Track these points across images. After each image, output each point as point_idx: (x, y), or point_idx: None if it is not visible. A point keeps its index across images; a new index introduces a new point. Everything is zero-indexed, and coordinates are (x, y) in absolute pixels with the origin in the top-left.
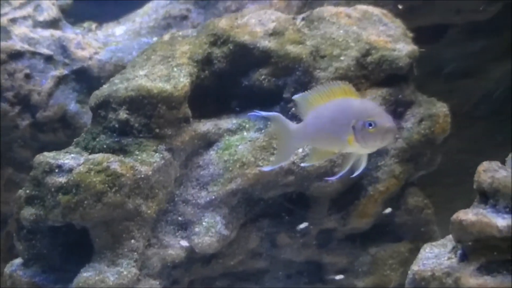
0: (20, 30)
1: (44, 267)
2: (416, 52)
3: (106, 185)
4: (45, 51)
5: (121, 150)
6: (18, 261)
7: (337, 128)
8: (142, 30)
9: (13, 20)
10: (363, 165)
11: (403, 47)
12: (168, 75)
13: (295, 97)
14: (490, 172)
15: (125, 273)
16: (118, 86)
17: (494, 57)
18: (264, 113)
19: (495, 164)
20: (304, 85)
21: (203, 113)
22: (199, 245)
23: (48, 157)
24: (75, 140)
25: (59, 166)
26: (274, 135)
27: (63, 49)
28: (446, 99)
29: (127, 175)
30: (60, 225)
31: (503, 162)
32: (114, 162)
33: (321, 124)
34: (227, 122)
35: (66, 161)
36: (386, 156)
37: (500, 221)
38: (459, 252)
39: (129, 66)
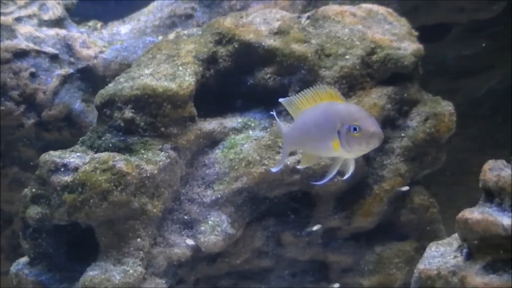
0: (25, 29)
1: (50, 266)
2: (421, 50)
3: (112, 184)
4: (50, 50)
5: (126, 149)
6: (23, 260)
7: (323, 132)
8: (147, 29)
9: (18, 19)
10: (350, 169)
11: (408, 46)
12: (173, 74)
13: (281, 100)
14: (495, 170)
15: (131, 272)
16: (123, 85)
17: (497, 55)
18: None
19: (501, 163)
20: (309, 83)
21: (208, 112)
22: (205, 244)
23: (53, 156)
24: (80, 139)
25: (65, 165)
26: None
27: (68, 48)
28: (449, 98)
29: (133, 174)
30: (66, 224)
31: (507, 161)
32: (120, 161)
33: (307, 128)
34: (232, 121)
35: (71, 160)
36: (392, 155)
37: (506, 220)
38: (464, 250)
39: (134, 65)
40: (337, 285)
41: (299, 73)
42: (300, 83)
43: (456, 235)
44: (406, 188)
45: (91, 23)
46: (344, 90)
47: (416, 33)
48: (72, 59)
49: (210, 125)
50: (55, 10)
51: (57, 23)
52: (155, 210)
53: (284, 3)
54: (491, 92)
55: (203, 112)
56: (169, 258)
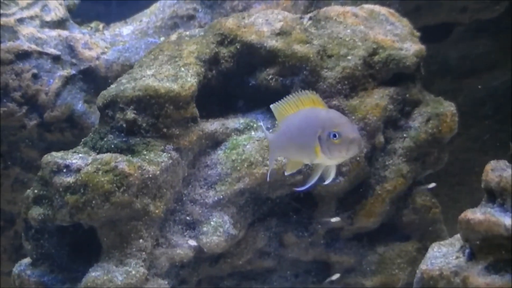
0: (27, 30)
1: (52, 266)
2: (423, 51)
3: (114, 184)
4: (52, 51)
5: (128, 150)
6: (26, 261)
7: (305, 138)
8: (149, 30)
9: (20, 20)
10: (331, 176)
11: (410, 46)
12: (175, 75)
13: (272, 106)
14: (497, 171)
15: (133, 272)
16: (125, 86)
17: (500, 55)
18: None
19: (503, 163)
20: (311, 84)
21: (210, 112)
22: (207, 245)
23: (55, 157)
24: (82, 140)
25: (67, 166)
26: None
27: (70, 49)
28: (451, 98)
29: (135, 174)
30: (68, 225)
31: (509, 161)
32: (122, 162)
33: (290, 134)
34: (235, 122)
35: (73, 161)
36: (394, 155)
37: (508, 220)
38: (467, 251)
39: (136, 66)
40: (337, 275)
41: (301, 74)
42: (302, 83)
43: (458, 235)
44: (433, 184)
45: (93, 24)
46: (346, 91)
47: (418, 34)
48: (74, 60)
49: (212, 126)
50: (57, 11)
51: (59, 24)
52: (157, 211)
53: (286, 3)
54: (493, 92)
55: (205, 113)
56: (171, 259)
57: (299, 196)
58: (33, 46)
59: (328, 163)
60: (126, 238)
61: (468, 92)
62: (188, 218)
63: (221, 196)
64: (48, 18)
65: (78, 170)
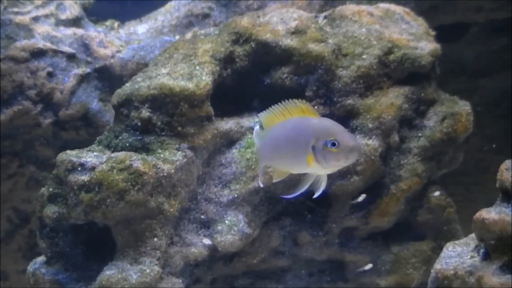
0: (42, 28)
1: (67, 265)
2: (438, 50)
3: (129, 183)
4: (67, 49)
5: (143, 149)
6: (40, 259)
7: (295, 148)
8: (164, 28)
9: (36, 19)
10: (322, 186)
11: (425, 46)
12: (190, 73)
13: (259, 114)
14: None
15: (147, 271)
16: (140, 84)
17: None
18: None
19: None
20: (326, 83)
21: (225, 111)
22: (222, 244)
23: (70, 155)
24: (97, 138)
25: (82, 164)
26: None
27: (85, 47)
28: (466, 97)
29: (150, 173)
30: (82, 223)
31: None
32: (137, 161)
33: (278, 144)
34: (249, 121)
35: (88, 159)
36: (409, 155)
37: None
38: (481, 251)
39: (151, 65)
40: (370, 265)
41: (316, 73)
42: (317, 82)
43: (473, 235)
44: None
45: (108, 23)
46: (361, 89)
47: (434, 33)
48: (89, 59)
49: (227, 124)
50: (72, 9)
51: (74, 22)
52: (172, 210)
53: (301, 2)
54: (508, 91)
55: (220, 112)
56: (186, 257)
57: (314, 195)
58: (48, 44)
59: (321, 172)
60: (140, 236)
61: (483, 92)
62: (202, 216)
63: (236, 195)
64: (63, 17)
65: (93, 168)
